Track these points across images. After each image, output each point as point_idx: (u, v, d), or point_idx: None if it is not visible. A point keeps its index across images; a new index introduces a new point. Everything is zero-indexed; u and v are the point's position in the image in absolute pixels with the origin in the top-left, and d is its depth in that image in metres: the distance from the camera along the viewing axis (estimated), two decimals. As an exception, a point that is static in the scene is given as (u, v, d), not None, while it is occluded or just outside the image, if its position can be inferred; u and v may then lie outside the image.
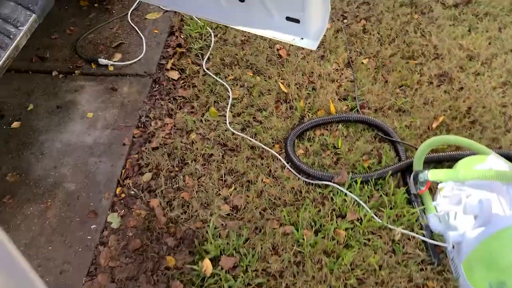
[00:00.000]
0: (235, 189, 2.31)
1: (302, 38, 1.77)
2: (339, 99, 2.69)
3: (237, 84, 2.78)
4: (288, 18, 1.75)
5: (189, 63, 2.92)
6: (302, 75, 2.80)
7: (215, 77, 2.81)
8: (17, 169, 2.45)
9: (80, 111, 2.71)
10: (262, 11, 1.79)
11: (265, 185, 2.31)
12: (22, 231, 2.22)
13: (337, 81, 2.78)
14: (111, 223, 2.26)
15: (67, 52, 3.04)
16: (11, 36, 2.23)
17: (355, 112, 2.59)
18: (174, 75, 2.87)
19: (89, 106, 2.74)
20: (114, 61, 2.95)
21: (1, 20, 2.28)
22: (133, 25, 3.19)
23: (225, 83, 2.77)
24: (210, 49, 2.98)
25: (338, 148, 2.44)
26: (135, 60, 2.96)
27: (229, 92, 2.73)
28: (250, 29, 1.86)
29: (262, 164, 2.40)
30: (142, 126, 2.63)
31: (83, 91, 2.82)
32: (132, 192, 2.36)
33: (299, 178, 2.33)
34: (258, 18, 1.82)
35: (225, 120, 2.59)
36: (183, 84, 2.83)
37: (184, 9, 2.09)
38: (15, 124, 2.64)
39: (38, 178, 2.41)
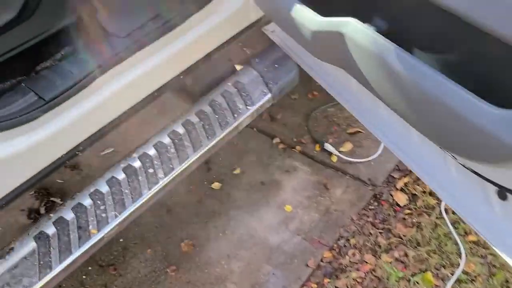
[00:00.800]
0: None
1: None
2: None
3: (476, 252, 2.04)
4: None
5: (425, 192, 2.29)
6: None
7: (451, 227, 2.12)
8: (195, 239, 2.26)
9: (280, 199, 2.38)
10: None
11: None
12: (166, 317, 2.03)
13: None
14: None
15: (299, 120, 2.73)
16: (235, 115, 1.98)
17: None
18: (402, 199, 2.28)
19: (292, 197, 2.38)
20: (341, 151, 2.51)
21: (236, 90, 2.06)
22: (380, 113, 2.68)
23: (460, 244, 2.06)
24: (461, 184, 2.27)
25: None
26: (364, 159, 2.47)
27: (461, 259, 2.01)
28: (498, 248, 1.18)
29: None
30: (337, 251, 2.15)
31: (294, 174, 2.47)
32: (289, 335, 1.92)
33: None
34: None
35: (440, 299, 1.92)
36: (406, 217, 2.22)
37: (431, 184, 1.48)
38: (216, 185, 2.46)
39: (207, 261, 2.18)
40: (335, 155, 2.50)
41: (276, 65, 2.15)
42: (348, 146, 2.55)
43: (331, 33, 1.21)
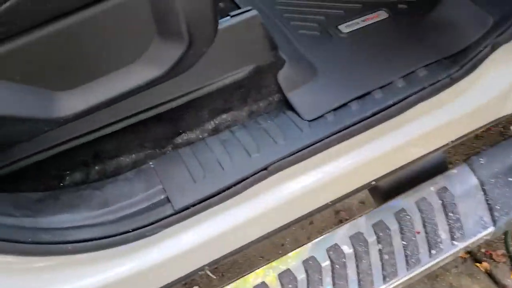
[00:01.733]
0: None
1: None
2: None
3: None
4: None
5: None
6: None
7: None
8: None
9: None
10: None
11: None
12: None
13: None
14: None
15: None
16: (433, 251, 1.30)
17: None
18: None
19: None
20: (549, 296, 1.74)
21: (441, 203, 1.36)
22: None
23: None
24: None
25: None
26: None
27: None
28: None
29: None
30: None
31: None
32: None
33: None
34: None
35: None
36: None
37: None
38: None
39: None
40: (539, 298, 1.74)
41: (510, 179, 1.40)
42: (561, 291, 1.76)
43: None
